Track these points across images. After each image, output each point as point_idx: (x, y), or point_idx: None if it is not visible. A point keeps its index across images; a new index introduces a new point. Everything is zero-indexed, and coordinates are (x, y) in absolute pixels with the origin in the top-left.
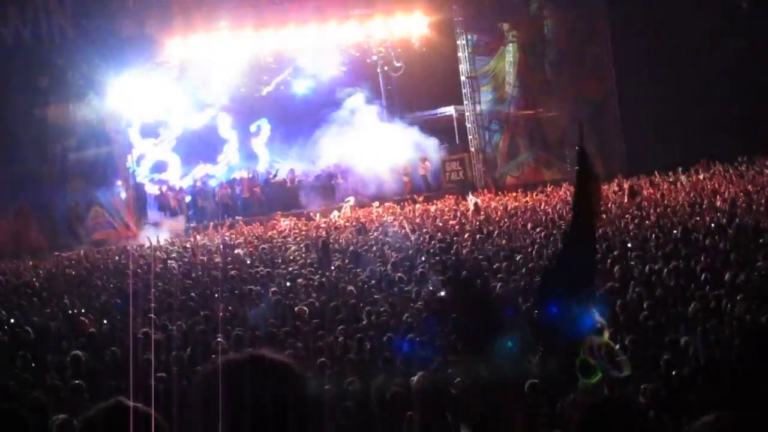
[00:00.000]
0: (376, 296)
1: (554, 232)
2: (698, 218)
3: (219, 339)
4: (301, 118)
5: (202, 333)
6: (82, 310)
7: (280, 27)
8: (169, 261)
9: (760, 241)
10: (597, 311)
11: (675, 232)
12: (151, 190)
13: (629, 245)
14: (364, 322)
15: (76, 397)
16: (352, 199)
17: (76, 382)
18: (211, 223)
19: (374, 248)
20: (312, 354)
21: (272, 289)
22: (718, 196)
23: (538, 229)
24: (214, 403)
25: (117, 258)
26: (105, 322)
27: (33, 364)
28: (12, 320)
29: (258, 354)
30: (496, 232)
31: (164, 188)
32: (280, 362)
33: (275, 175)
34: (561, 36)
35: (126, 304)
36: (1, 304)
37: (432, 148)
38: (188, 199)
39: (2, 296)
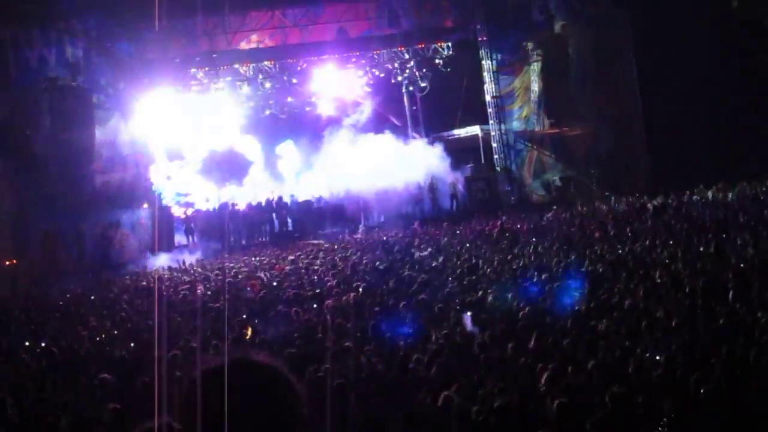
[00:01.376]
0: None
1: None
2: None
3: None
4: (326, 138)
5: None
6: (114, 333)
7: (306, 48)
8: (196, 284)
9: None
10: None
11: (702, 249)
12: (178, 212)
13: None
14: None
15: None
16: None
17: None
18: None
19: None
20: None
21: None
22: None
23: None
24: (199, 408)
25: (144, 281)
26: (132, 345)
27: (63, 388)
28: (42, 344)
29: (242, 357)
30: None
31: (190, 211)
32: (265, 364)
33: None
34: (585, 54)
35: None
36: (31, 328)
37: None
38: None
39: (31, 320)
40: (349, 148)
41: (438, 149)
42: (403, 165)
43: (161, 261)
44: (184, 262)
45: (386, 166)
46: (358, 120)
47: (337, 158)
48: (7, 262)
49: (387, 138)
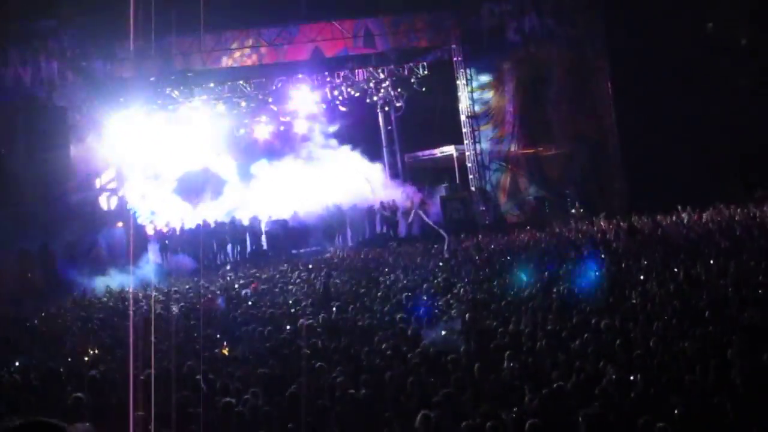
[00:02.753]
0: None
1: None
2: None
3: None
4: (299, 158)
5: (204, 374)
6: (90, 351)
7: (281, 68)
8: (171, 303)
9: (760, 279)
10: None
11: (676, 270)
12: (152, 231)
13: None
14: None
15: None
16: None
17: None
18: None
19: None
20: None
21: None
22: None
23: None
24: None
25: (117, 300)
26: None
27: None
28: (17, 363)
29: (33, 421)
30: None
31: (165, 229)
32: (55, 427)
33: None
34: (561, 75)
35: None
36: (6, 348)
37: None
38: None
39: (6, 340)
40: (320, 167)
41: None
42: (369, 186)
43: (138, 279)
44: (158, 281)
45: (352, 186)
46: (332, 139)
47: (308, 177)
48: None
49: (354, 157)
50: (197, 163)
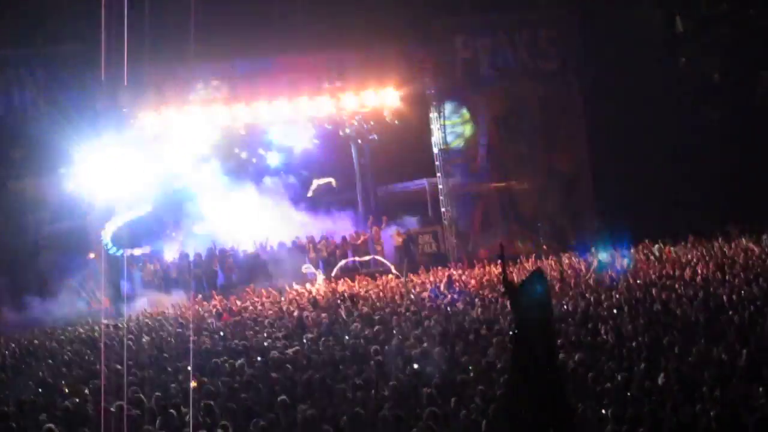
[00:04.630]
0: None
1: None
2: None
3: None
4: (273, 190)
5: (175, 407)
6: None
7: (253, 100)
8: (142, 334)
9: (731, 314)
10: None
11: (647, 305)
12: (125, 262)
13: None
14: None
15: None
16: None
17: None
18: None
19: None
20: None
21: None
22: (687, 270)
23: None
24: None
25: (89, 331)
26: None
27: None
28: None
29: None
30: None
31: (138, 260)
32: None
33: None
34: (533, 109)
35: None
36: None
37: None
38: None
39: None
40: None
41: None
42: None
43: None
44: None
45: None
46: (304, 171)
47: (279, 209)
48: None
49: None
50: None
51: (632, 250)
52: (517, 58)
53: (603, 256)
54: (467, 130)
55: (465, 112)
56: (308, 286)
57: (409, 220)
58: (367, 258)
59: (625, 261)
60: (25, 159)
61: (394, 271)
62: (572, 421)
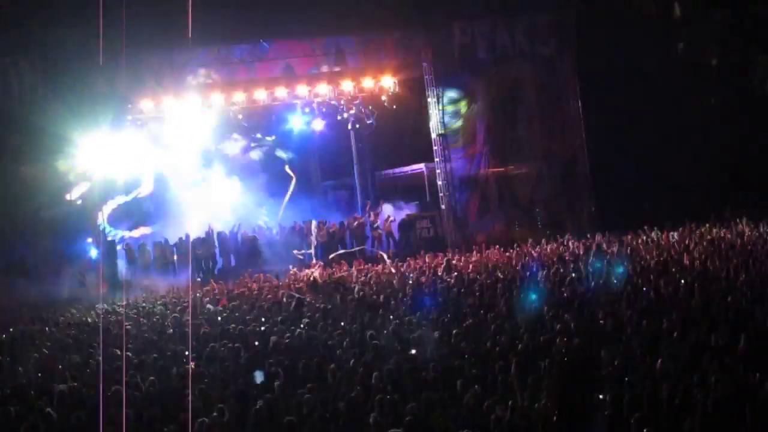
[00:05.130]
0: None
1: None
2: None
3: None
4: (270, 174)
5: (173, 391)
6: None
7: (250, 85)
8: (141, 318)
9: (728, 299)
10: None
11: (645, 289)
12: (122, 246)
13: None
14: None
15: None
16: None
17: None
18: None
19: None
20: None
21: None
22: (686, 255)
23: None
24: None
25: (87, 316)
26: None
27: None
28: None
29: None
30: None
31: (136, 244)
32: None
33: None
34: (531, 94)
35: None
36: None
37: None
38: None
39: None
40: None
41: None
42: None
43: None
44: (128, 297)
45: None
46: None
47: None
48: None
49: None
50: (168, 180)
51: (627, 263)
52: (514, 43)
53: (597, 266)
54: (465, 115)
55: (463, 97)
56: (305, 270)
57: (406, 204)
58: (354, 249)
59: (620, 271)
60: (24, 144)
61: (385, 258)
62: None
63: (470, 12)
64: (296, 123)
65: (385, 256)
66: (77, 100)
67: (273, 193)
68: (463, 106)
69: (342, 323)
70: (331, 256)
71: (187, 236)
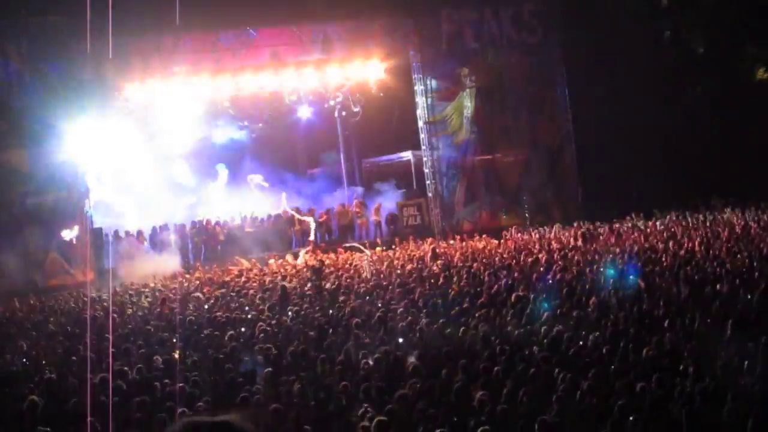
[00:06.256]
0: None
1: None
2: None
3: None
4: (256, 162)
5: (159, 379)
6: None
7: (237, 73)
8: (128, 306)
9: (717, 288)
10: None
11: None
12: (109, 234)
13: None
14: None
15: None
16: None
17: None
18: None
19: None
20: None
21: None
22: (671, 243)
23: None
24: None
25: (73, 303)
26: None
27: None
28: None
29: (191, 422)
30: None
31: (122, 232)
32: (217, 422)
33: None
34: (518, 82)
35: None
36: None
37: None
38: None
39: None
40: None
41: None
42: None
43: (93, 283)
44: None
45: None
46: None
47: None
48: None
49: None
50: (154, 166)
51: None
52: (501, 30)
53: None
54: (452, 102)
55: (450, 84)
56: (290, 259)
57: (394, 192)
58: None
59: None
60: (9, 131)
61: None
62: None
63: (457, 0)
64: (282, 110)
65: (363, 248)
66: (64, 87)
67: (258, 180)
68: (450, 94)
69: (330, 311)
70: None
71: (168, 226)
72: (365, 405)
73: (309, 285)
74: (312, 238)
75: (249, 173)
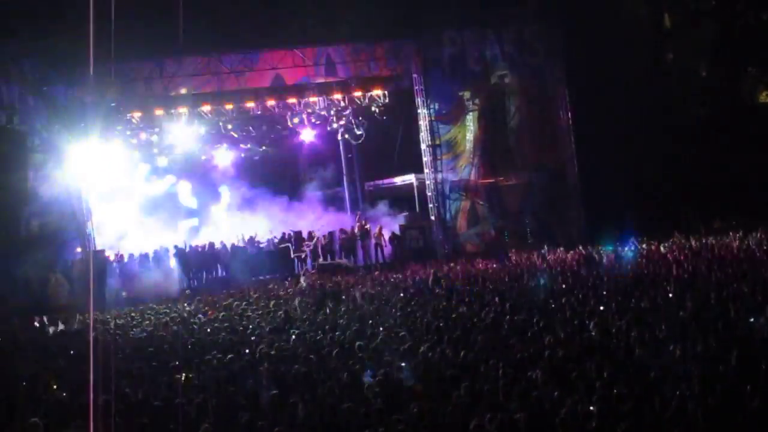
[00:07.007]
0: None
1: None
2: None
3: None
4: (262, 184)
5: (162, 401)
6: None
7: (241, 96)
8: (131, 328)
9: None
10: None
11: (635, 301)
12: (111, 256)
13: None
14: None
15: None
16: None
17: None
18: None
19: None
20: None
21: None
22: (674, 266)
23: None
24: None
25: (76, 325)
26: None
27: None
28: None
29: None
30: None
31: (125, 255)
32: None
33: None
34: (521, 104)
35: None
36: None
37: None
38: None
39: None
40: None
41: None
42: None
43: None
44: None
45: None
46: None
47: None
48: None
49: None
50: (157, 189)
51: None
52: (504, 52)
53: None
54: (454, 125)
55: (452, 107)
56: (295, 281)
57: (396, 214)
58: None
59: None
60: (13, 153)
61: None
62: None
63: (460, 22)
64: (285, 133)
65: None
66: (67, 109)
67: (262, 203)
68: (452, 117)
69: (334, 333)
70: (317, 263)
71: (168, 249)
72: (367, 430)
73: (311, 308)
74: (312, 260)
75: (251, 196)
